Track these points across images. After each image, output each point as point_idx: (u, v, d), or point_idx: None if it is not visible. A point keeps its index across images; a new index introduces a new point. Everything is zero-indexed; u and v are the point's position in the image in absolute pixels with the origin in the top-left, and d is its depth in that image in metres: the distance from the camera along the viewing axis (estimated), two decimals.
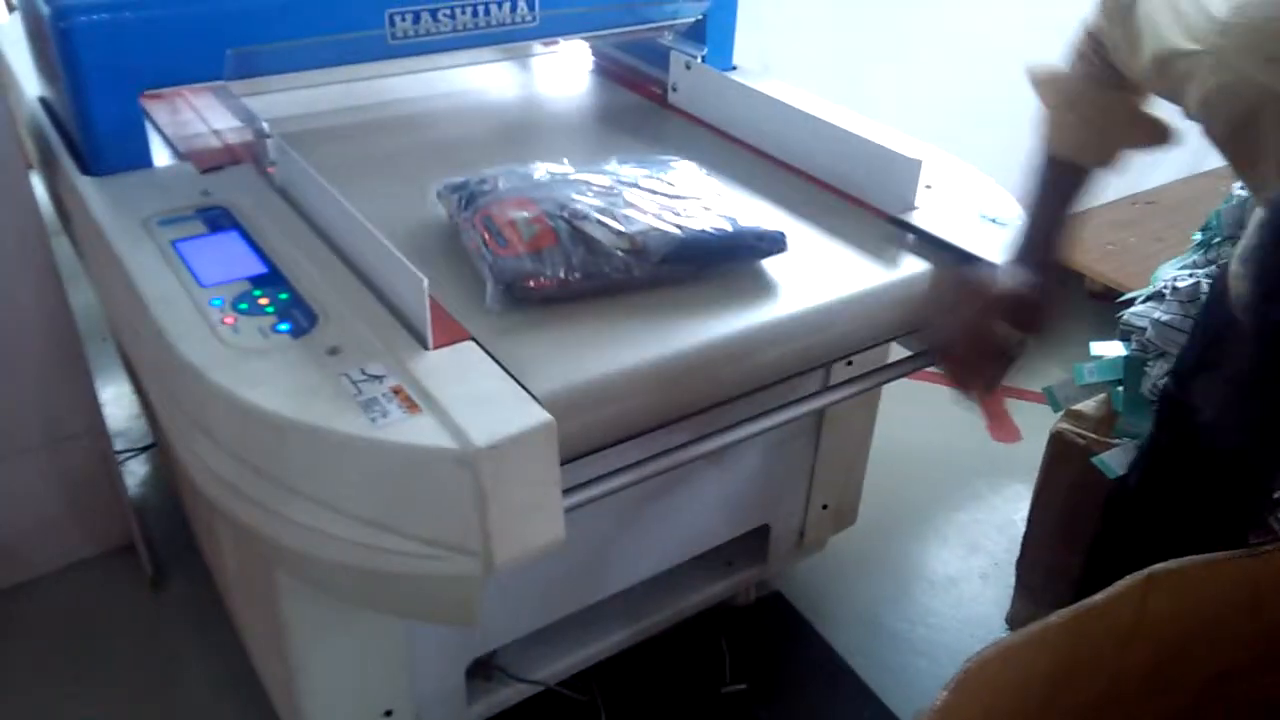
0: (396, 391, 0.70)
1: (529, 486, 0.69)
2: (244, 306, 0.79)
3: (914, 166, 1.00)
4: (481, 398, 0.70)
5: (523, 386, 0.71)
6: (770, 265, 0.92)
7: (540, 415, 0.68)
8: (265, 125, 0.97)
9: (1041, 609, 1.33)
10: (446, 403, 0.69)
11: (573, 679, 1.20)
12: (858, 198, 1.05)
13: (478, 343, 0.76)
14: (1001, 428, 0.95)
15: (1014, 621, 1.39)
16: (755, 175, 1.11)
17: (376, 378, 0.72)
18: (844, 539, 1.41)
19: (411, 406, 0.69)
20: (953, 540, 1.57)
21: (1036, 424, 1.19)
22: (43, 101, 1.16)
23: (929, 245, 0.98)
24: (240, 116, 1.04)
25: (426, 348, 0.75)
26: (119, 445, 1.54)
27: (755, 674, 1.29)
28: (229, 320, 0.77)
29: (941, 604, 1.45)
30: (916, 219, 1.00)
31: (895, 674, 1.33)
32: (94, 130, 0.96)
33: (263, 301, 0.80)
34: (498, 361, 0.74)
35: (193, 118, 1.14)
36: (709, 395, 0.84)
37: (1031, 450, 1.22)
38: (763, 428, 0.87)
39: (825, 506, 1.34)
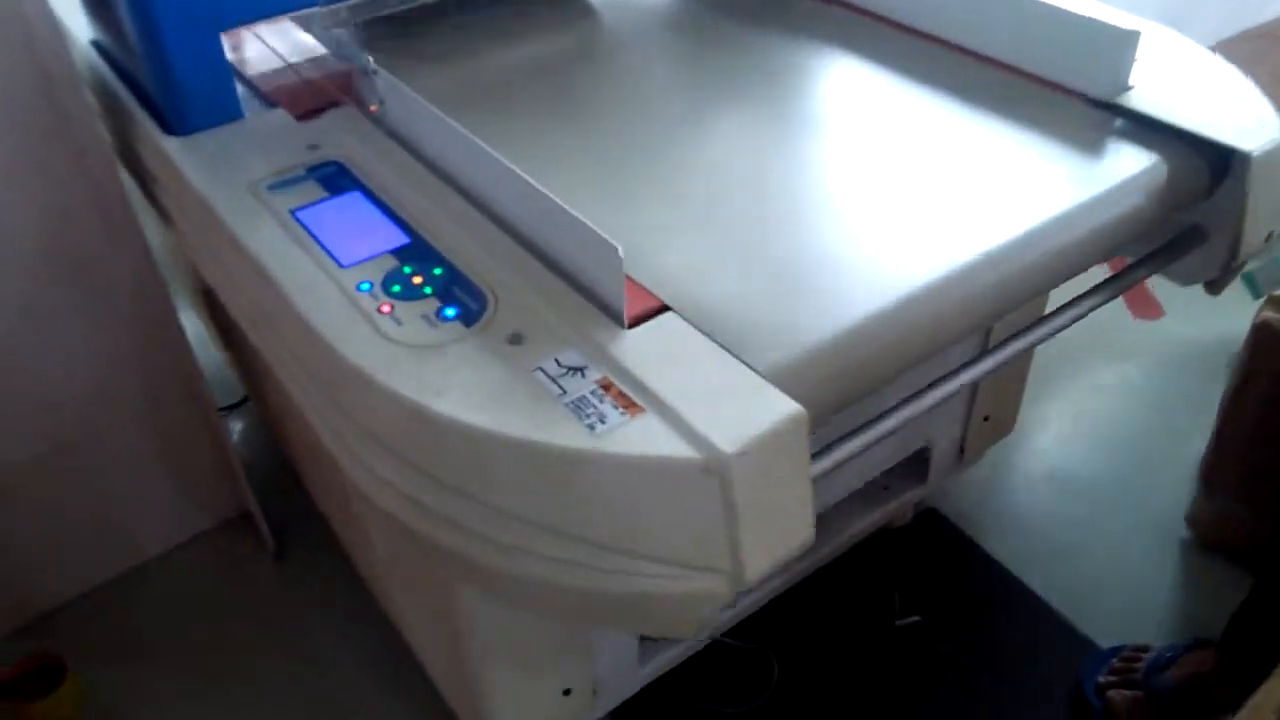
0: (606, 387, 0.59)
1: (781, 489, 0.58)
2: (397, 289, 0.67)
3: (1128, 40, 0.85)
4: (710, 387, 0.58)
5: (745, 364, 0.60)
6: (965, 176, 0.79)
7: (788, 406, 0.57)
8: (370, 59, 0.83)
9: (1239, 508, 1.25)
10: (670, 397, 0.58)
11: (739, 628, 1.12)
12: (1053, 80, 0.90)
13: (679, 314, 0.64)
14: (1143, 304, 0.84)
15: (1198, 522, 1.29)
16: (919, 61, 0.96)
17: (577, 370, 0.61)
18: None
19: (630, 405, 0.58)
20: (1110, 440, 1.46)
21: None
22: (97, 47, 1.02)
23: (1152, 132, 0.83)
24: (337, 50, 0.90)
25: (622, 326, 0.63)
26: None
27: (927, 603, 1.21)
28: (385, 308, 0.66)
29: (1106, 507, 1.35)
30: (1134, 101, 0.85)
31: (1070, 587, 1.24)
32: (177, 83, 0.83)
33: (416, 280, 0.68)
34: (710, 337, 0.62)
35: (265, 53, 1.00)
36: (950, 332, 0.72)
37: (1182, 343, 1.10)
38: (996, 363, 0.75)
39: (986, 418, 1.23)
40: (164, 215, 0.98)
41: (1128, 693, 1.12)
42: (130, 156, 0.99)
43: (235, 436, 1.51)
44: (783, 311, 0.67)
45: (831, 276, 0.70)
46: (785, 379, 0.60)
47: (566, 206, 0.64)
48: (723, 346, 0.62)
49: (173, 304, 1.18)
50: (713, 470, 0.55)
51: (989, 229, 0.74)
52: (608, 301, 0.64)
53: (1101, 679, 1.14)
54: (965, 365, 0.75)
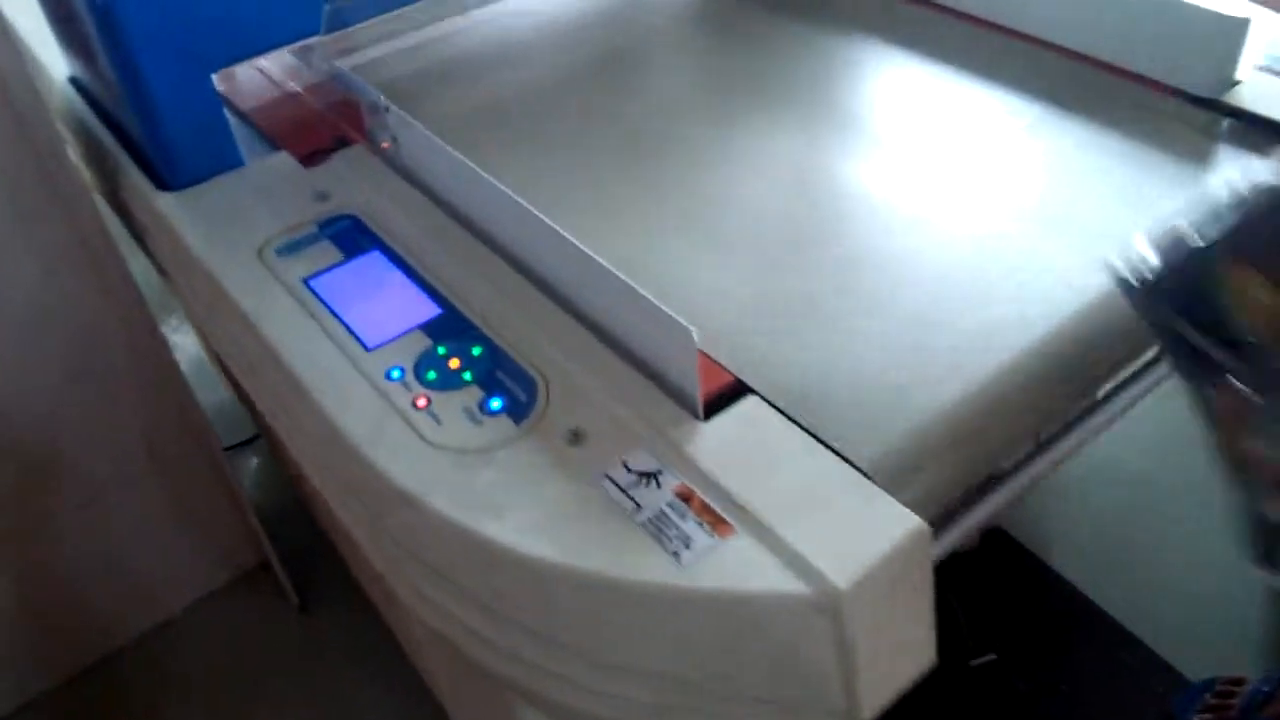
0: (686, 498, 0.50)
1: (901, 616, 0.50)
2: (432, 376, 0.59)
3: (1236, 28, 0.75)
4: (811, 496, 0.50)
5: (848, 462, 0.51)
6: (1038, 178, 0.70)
7: (906, 521, 0.48)
8: (381, 96, 0.74)
9: None
10: (765, 511, 0.49)
11: None
12: (1148, 76, 0.80)
13: (762, 397, 0.55)
14: None
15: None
16: (992, 55, 0.86)
17: (650, 477, 0.52)
18: None
19: (717, 523, 0.49)
20: (1192, 442, 1.36)
21: None
22: (76, 84, 0.93)
23: (1263, 133, 0.74)
24: (345, 85, 0.80)
25: (698, 417, 0.54)
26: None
27: (1000, 636, 1.13)
28: (422, 401, 0.57)
29: (1187, 518, 1.26)
30: (1243, 99, 0.76)
31: (1152, 610, 1.15)
32: (166, 133, 0.74)
33: (453, 364, 0.59)
34: (800, 424, 0.53)
35: (260, 81, 0.90)
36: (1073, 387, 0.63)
37: None
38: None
39: None
40: (160, 268, 0.89)
41: None
42: (119, 205, 0.90)
43: (249, 478, 1.43)
44: (882, 385, 0.57)
45: (939, 331, 0.61)
46: (895, 475, 0.52)
47: (629, 281, 0.54)
48: (816, 437, 0.53)
49: (169, 349, 1.10)
50: (824, 608, 0.46)
51: (1103, 245, 0.65)
52: (680, 389, 0.55)
53: (1195, 718, 1.06)
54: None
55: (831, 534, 0.47)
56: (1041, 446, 0.60)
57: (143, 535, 1.17)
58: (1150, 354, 0.63)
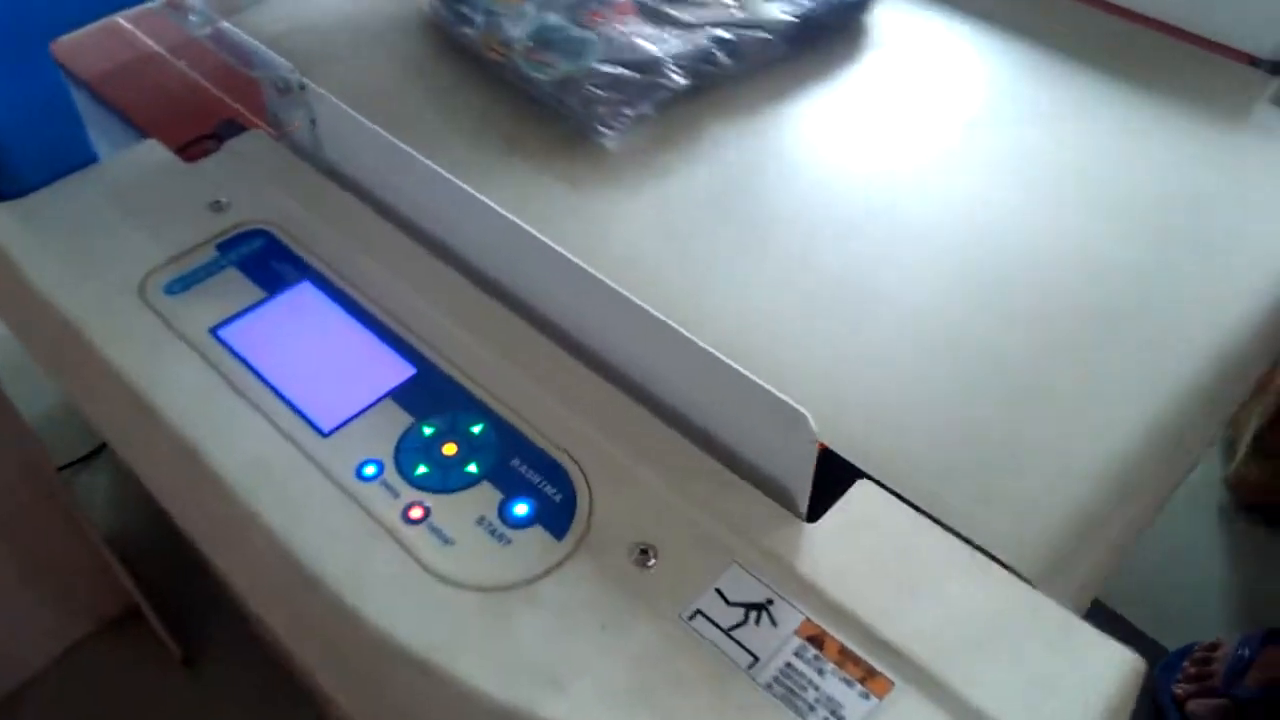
0: (816, 641, 0.37)
1: None
2: (423, 470, 0.43)
3: None
4: (981, 623, 0.37)
5: (1011, 570, 0.39)
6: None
7: (1122, 661, 0.37)
8: (289, 66, 0.56)
9: None
10: (927, 654, 0.37)
11: None
12: (1212, 39, 0.70)
13: (872, 479, 0.42)
14: None
15: (1242, 483, 1.18)
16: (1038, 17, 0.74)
17: (759, 610, 0.38)
18: None
19: (868, 676, 0.36)
20: None
21: None
22: None
23: None
24: (236, 51, 0.61)
25: (801, 517, 0.41)
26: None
27: None
28: (416, 513, 0.42)
29: None
30: None
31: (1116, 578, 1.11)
32: None
33: (448, 450, 0.44)
34: (933, 518, 0.41)
35: (120, 50, 0.70)
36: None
37: None
38: None
39: None
40: None
41: (1211, 702, 1.01)
42: None
43: (100, 504, 1.21)
44: (1010, 461, 0.46)
45: (1068, 379, 0.49)
46: (1063, 575, 0.40)
47: (718, 354, 0.40)
48: (961, 535, 0.40)
49: (15, 414, 0.89)
50: None
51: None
52: (775, 482, 0.41)
53: (1178, 689, 1.03)
54: None
55: (1025, 684, 0.36)
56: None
57: None
58: None
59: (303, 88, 0.55)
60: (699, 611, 0.38)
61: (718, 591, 0.39)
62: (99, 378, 0.49)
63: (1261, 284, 0.54)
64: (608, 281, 0.43)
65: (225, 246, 0.53)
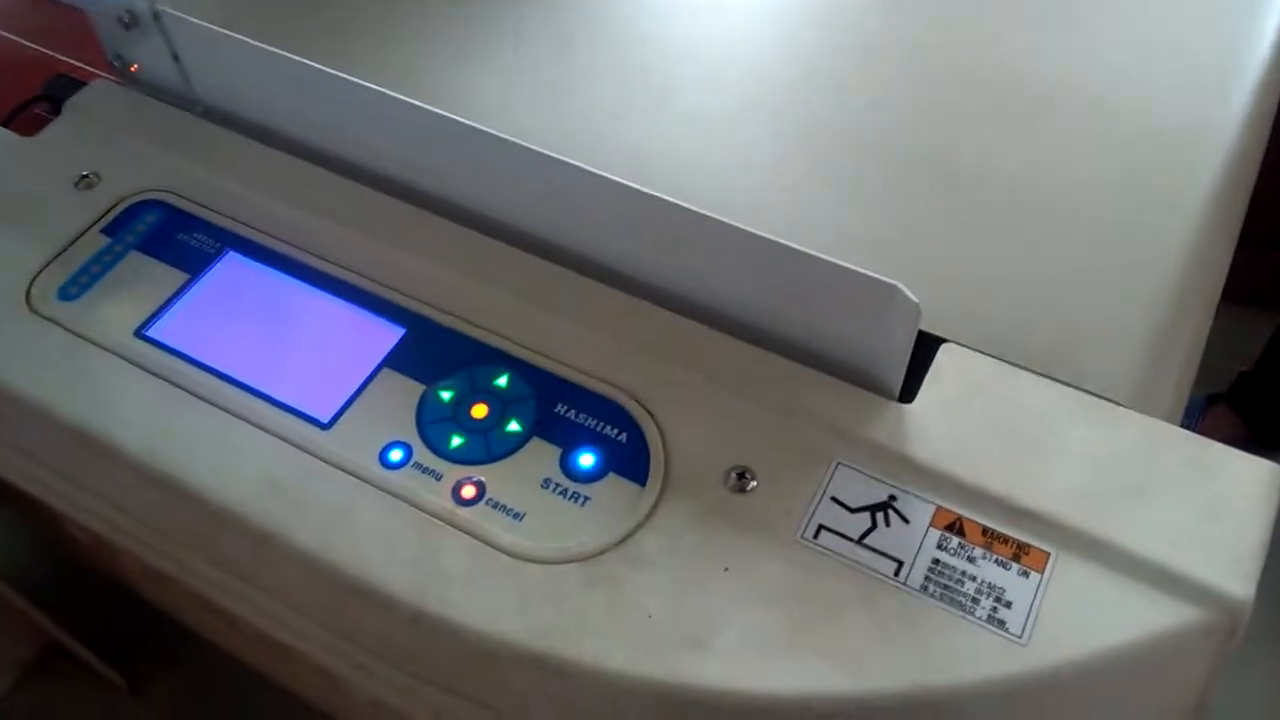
0: (956, 528, 0.34)
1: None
2: (459, 441, 0.37)
3: None
4: (1117, 471, 0.35)
5: (1119, 405, 0.37)
6: None
7: (1269, 470, 0.35)
8: None
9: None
10: (1072, 513, 0.34)
11: None
12: None
13: (962, 345, 0.39)
14: None
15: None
16: None
17: (884, 510, 0.35)
18: None
19: (1022, 552, 0.33)
20: None
21: None
22: None
23: None
24: None
25: (893, 398, 0.37)
26: None
27: None
28: (469, 491, 0.36)
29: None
30: None
31: None
32: None
33: (478, 412, 0.38)
34: (1037, 372, 0.38)
35: None
36: None
37: None
38: None
39: None
40: None
41: None
42: None
43: None
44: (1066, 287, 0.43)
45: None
46: (1157, 398, 0.38)
47: (784, 241, 0.35)
48: (1065, 381, 0.38)
49: None
50: (1218, 628, 0.32)
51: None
52: (865, 370, 0.37)
53: None
54: None
55: (1189, 519, 0.34)
56: None
57: None
58: None
59: (157, 16, 0.45)
60: (821, 527, 0.34)
61: (834, 500, 0.35)
62: (20, 420, 0.40)
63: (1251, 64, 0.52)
64: (616, 179, 0.37)
65: (114, 229, 0.44)
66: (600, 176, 0.37)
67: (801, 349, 0.38)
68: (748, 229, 0.35)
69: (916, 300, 0.34)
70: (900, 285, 0.33)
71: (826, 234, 0.44)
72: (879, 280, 0.34)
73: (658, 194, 0.36)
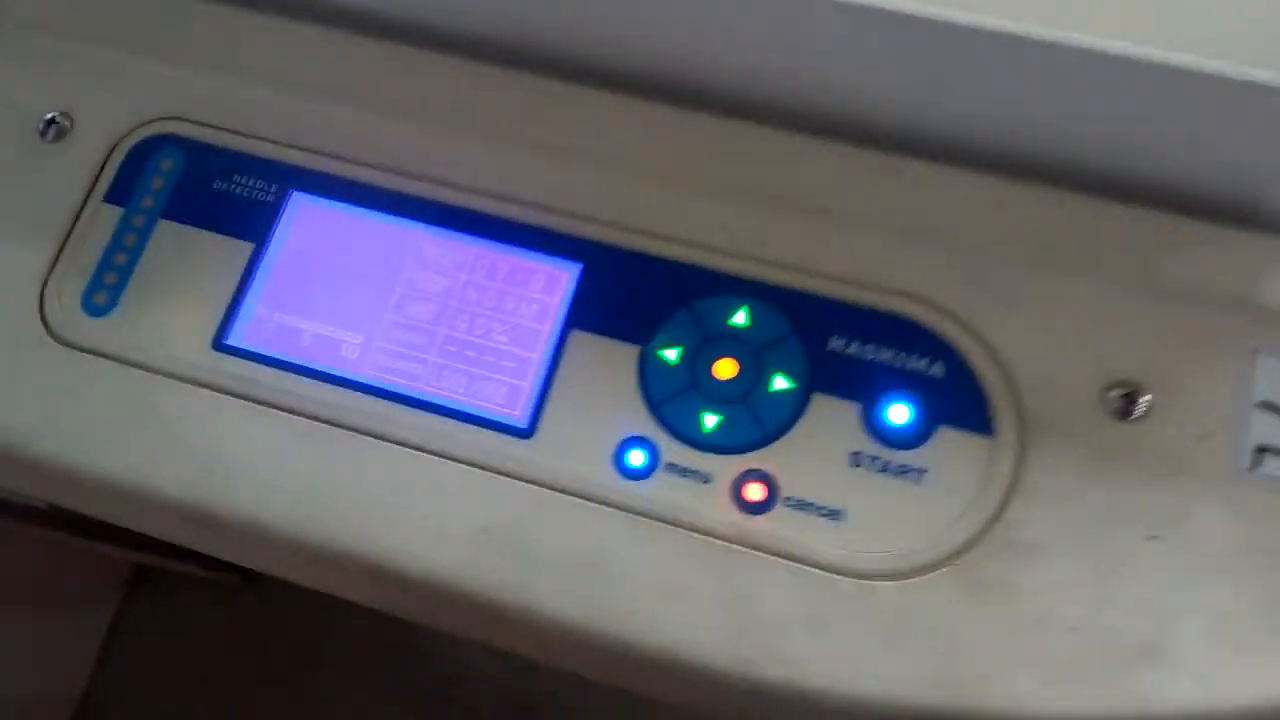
0: None
1: None
2: (714, 421, 0.26)
3: None
4: None
5: None
6: None
7: None
8: None
9: None
10: None
11: None
12: None
13: None
14: None
15: None
16: None
17: None
18: None
19: None
20: None
21: None
22: None
23: None
24: None
25: None
26: None
27: None
28: (756, 493, 0.26)
29: None
30: None
31: None
32: None
33: (725, 371, 0.27)
34: None
35: None
36: None
37: None
38: None
39: None
40: None
41: None
42: None
43: None
44: None
45: None
46: None
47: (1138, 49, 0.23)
48: None
49: None
50: None
51: None
52: (1250, 205, 0.26)
53: None
54: None
55: None
56: None
57: None
58: None
59: None
60: (1260, 449, 0.25)
61: (1265, 406, 0.25)
62: (99, 503, 0.29)
63: None
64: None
65: (121, 192, 0.31)
66: None
67: (1163, 192, 0.27)
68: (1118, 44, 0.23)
69: None
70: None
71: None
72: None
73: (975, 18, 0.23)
